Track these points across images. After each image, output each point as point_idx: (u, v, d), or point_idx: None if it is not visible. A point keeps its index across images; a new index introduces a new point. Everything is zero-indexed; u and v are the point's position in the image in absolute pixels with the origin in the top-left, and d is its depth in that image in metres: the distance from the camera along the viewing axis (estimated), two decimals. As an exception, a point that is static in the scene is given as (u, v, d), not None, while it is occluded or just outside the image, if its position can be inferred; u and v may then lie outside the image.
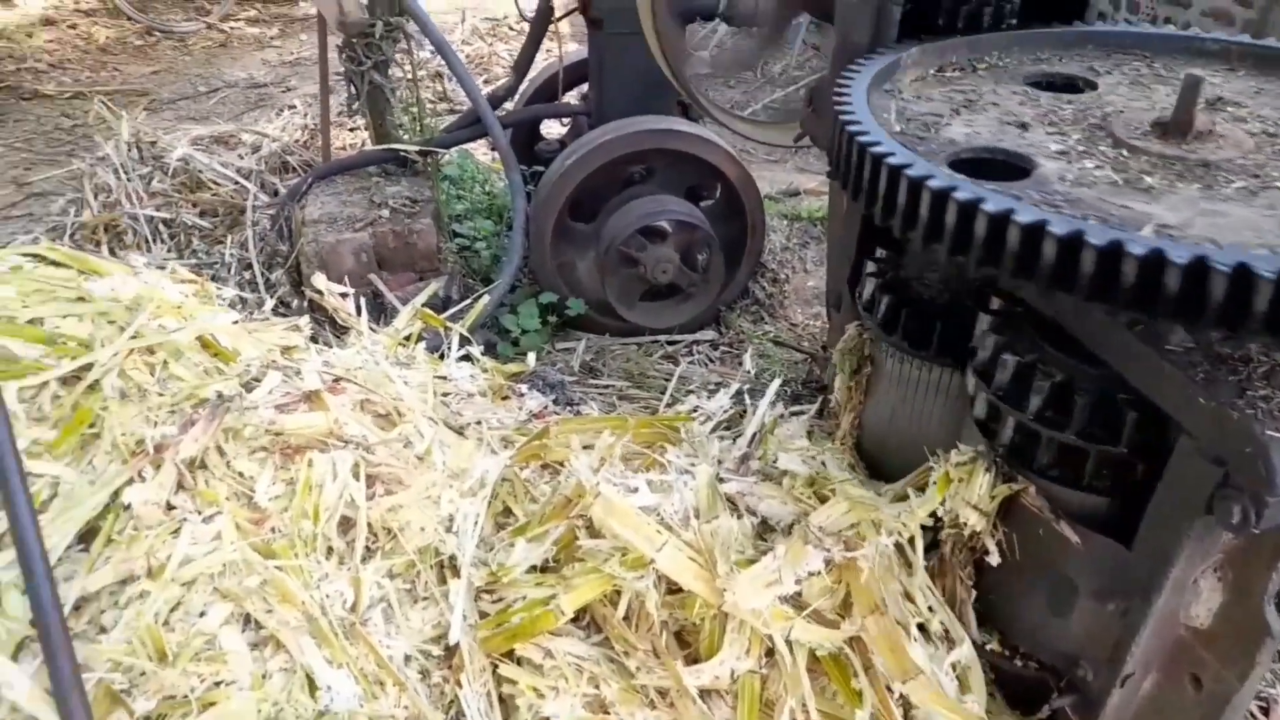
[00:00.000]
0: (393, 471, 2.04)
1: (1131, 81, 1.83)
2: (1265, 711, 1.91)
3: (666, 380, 3.49)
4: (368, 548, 1.96)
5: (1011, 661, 1.80)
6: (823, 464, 2.05)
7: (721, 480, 1.97)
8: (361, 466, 2.01)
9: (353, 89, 3.94)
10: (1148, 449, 1.49)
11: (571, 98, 4.19)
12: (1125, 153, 1.48)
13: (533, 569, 1.98)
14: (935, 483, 1.71)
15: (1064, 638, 1.69)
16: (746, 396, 3.29)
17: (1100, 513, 1.58)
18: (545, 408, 3.06)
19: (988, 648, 1.81)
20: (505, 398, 3.05)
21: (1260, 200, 1.37)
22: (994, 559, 1.68)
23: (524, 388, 3.16)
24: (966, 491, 1.66)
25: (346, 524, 1.96)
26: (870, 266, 2.06)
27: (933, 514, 1.77)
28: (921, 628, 1.72)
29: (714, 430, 2.63)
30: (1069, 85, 1.81)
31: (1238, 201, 1.37)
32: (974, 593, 1.79)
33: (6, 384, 1.86)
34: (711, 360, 3.74)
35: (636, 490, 1.88)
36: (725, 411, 2.72)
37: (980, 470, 1.66)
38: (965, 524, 1.65)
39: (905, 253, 1.97)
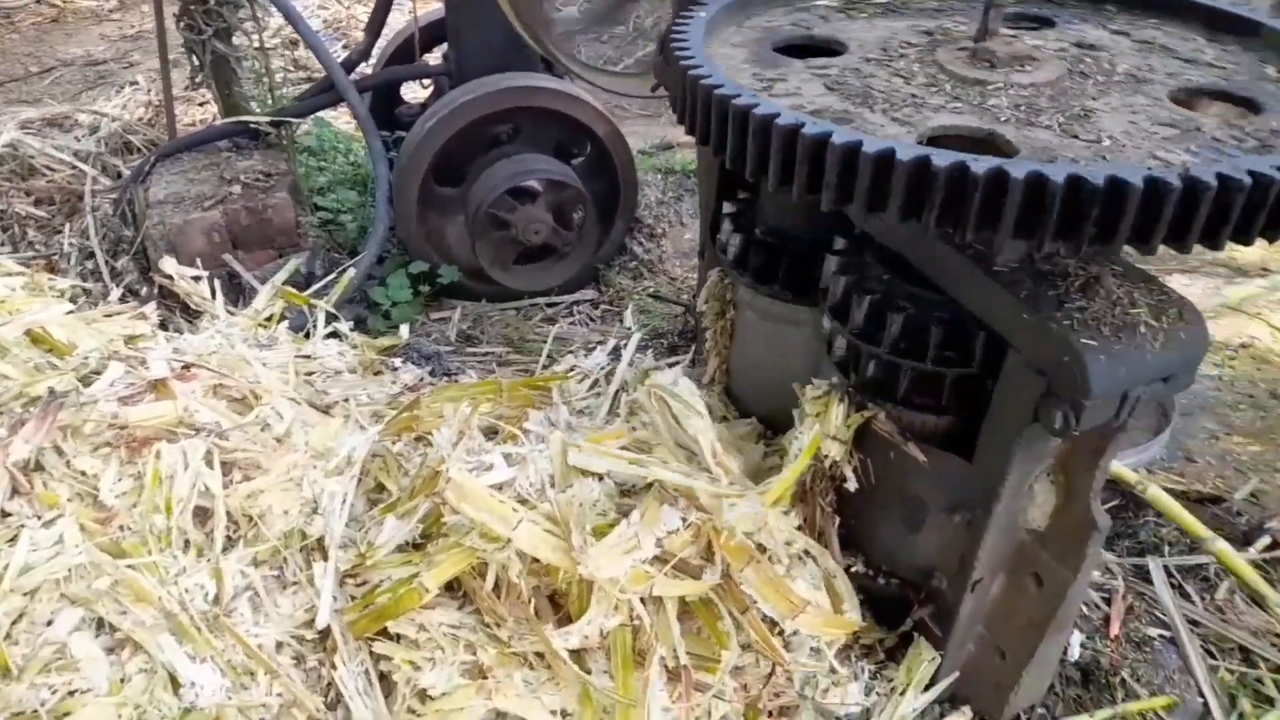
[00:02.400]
0: (250, 456, 1.96)
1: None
2: (1108, 601, 2.04)
3: (546, 343, 3.47)
4: (229, 537, 1.88)
5: (875, 580, 1.87)
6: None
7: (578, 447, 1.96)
8: (215, 454, 1.92)
9: (195, 60, 3.72)
10: (997, 368, 1.54)
11: (433, 59, 4.06)
12: (937, 72, 1.51)
13: (404, 546, 1.94)
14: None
15: (919, 553, 1.76)
16: (625, 352, 3.29)
17: (946, 432, 1.64)
18: (421, 380, 3.00)
19: (853, 570, 1.87)
20: (378, 373, 2.97)
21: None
22: (851, 485, 1.73)
23: (398, 361, 3.09)
24: (824, 424, 1.70)
25: (203, 515, 1.88)
26: (728, 208, 2.07)
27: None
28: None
29: (593, 387, 2.63)
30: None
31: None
32: (836, 520, 1.85)
33: None
34: (592, 319, 3.72)
35: (491, 467, 1.86)
36: (602, 369, 2.71)
37: (835, 402, 1.70)
38: (826, 456, 1.69)
39: (760, 194, 1.98)
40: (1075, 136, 1.32)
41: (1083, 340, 1.31)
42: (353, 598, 1.88)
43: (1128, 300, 1.38)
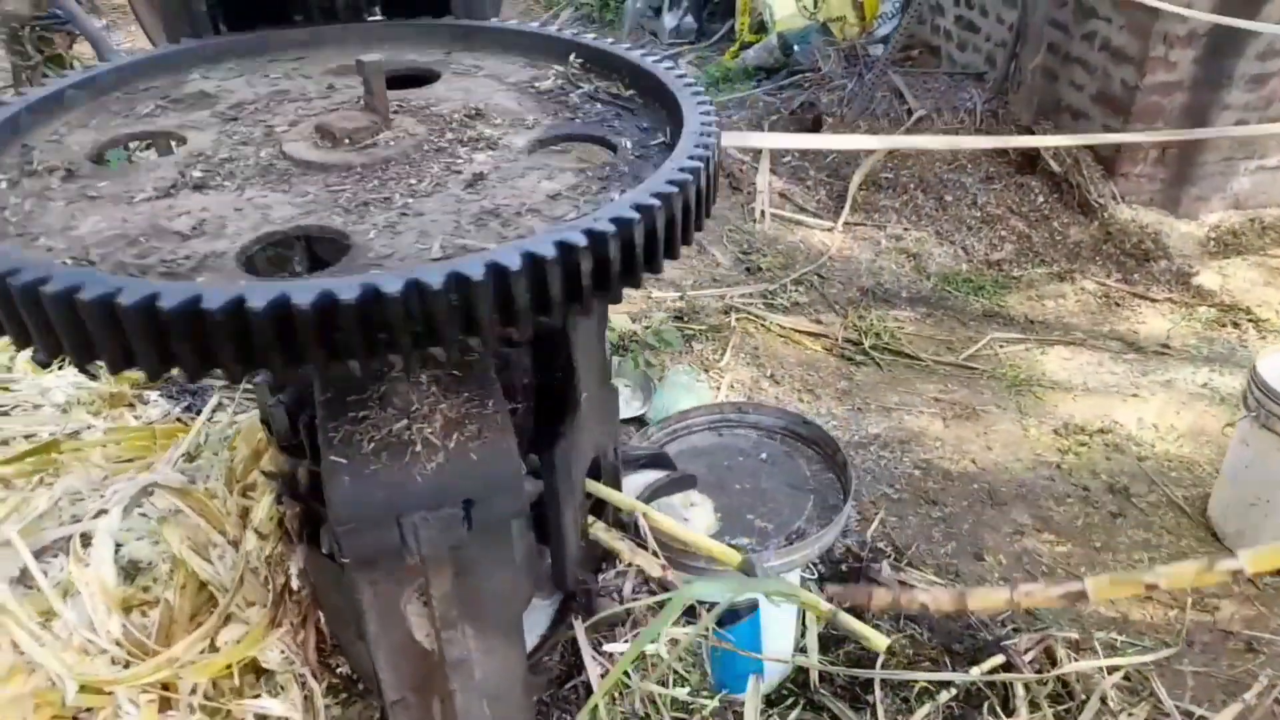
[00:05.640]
0: None
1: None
2: None
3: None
4: None
5: (357, 686, 1.72)
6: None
7: None
8: None
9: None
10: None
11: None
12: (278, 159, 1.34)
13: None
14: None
15: (366, 664, 1.61)
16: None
17: (354, 534, 1.49)
18: (166, 415, 2.95)
19: (339, 670, 1.72)
20: (130, 405, 2.93)
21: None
22: (295, 583, 1.60)
23: (155, 394, 3.03)
24: (253, 516, 1.57)
25: None
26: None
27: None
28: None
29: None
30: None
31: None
32: (319, 615, 1.71)
33: None
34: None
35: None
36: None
37: (267, 494, 1.57)
38: (246, 550, 1.56)
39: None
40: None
41: (333, 458, 1.16)
42: None
43: (425, 413, 1.22)
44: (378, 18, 1.79)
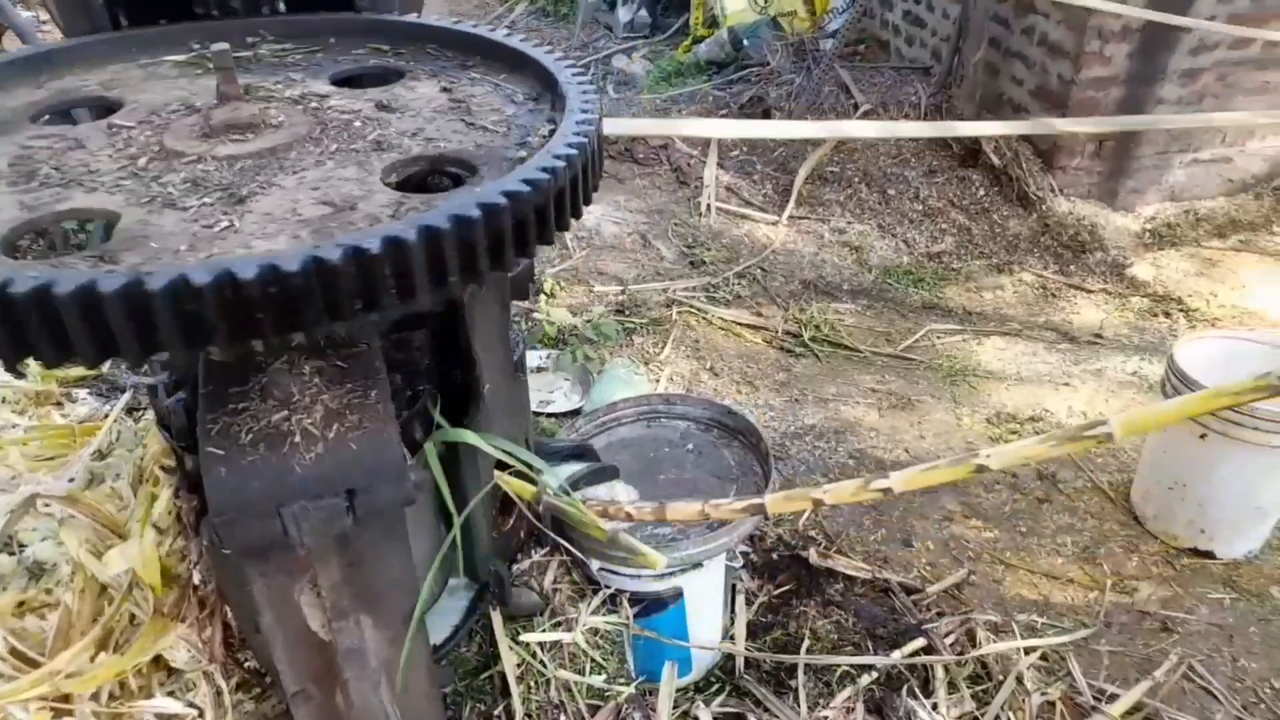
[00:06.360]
0: None
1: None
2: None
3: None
4: None
5: (265, 679, 1.73)
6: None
7: None
8: None
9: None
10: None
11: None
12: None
13: None
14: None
15: (267, 655, 1.62)
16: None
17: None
18: (93, 415, 2.92)
19: (247, 665, 1.73)
20: (59, 404, 2.90)
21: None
22: (196, 578, 1.60)
23: (84, 393, 3.01)
24: (151, 514, 1.58)
25: None
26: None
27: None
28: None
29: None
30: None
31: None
32: (223, 627, 1.71)
33: None
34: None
35: None
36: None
37: (165, 488, 1.58)
38: (142, 547, 1.56)
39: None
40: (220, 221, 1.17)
41: (209, 449, 1.17)
42: None
43: (305, 404, 1.23)
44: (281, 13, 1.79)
